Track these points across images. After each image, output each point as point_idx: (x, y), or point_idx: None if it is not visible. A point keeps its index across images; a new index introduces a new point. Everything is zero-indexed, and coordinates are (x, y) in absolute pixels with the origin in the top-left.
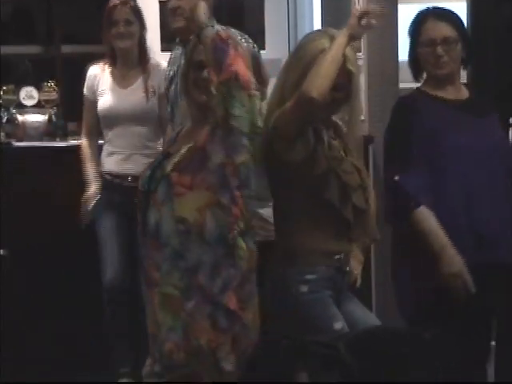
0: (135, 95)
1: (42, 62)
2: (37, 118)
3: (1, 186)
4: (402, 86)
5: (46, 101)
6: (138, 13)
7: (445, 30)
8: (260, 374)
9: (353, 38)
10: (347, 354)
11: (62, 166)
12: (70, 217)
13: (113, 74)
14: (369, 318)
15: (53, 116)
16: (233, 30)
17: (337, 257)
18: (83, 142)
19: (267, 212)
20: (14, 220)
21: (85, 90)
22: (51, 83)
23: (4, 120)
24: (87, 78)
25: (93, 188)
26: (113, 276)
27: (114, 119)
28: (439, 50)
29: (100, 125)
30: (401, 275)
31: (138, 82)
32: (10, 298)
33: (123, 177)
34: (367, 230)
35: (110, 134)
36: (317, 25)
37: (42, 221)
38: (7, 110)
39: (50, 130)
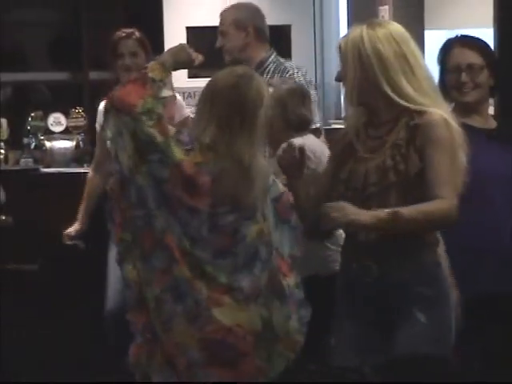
0: None
1: (70, 88)
2: (64, 144)
3: (29, 211)
4: None
5: (74, 127)
6: (143, 44)
7: (470, 56)
8: None
9: None
10: (373, 378)
11: None
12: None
13: None
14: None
15: (80, 142)
16: (289, 63)
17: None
18: (89, 174)
19: None
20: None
21: (96, 125)
22: (79, 109)
23: (32, 146)
24: (98, 113)
25: (76, 226)
26: (114, 307)
27: None
28: (464, 76)
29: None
30: None
31: None
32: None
33: None
34: None
35: None
36: None
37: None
38: (35, 136)
39: (78, 156)
